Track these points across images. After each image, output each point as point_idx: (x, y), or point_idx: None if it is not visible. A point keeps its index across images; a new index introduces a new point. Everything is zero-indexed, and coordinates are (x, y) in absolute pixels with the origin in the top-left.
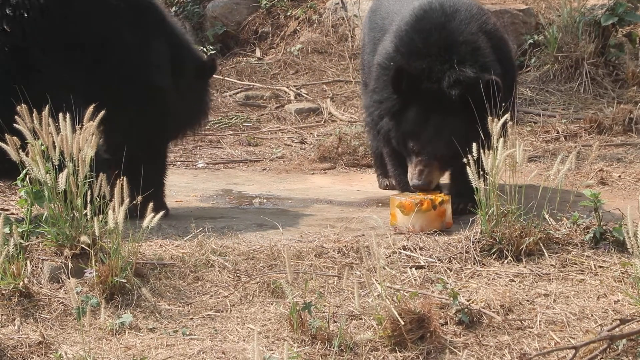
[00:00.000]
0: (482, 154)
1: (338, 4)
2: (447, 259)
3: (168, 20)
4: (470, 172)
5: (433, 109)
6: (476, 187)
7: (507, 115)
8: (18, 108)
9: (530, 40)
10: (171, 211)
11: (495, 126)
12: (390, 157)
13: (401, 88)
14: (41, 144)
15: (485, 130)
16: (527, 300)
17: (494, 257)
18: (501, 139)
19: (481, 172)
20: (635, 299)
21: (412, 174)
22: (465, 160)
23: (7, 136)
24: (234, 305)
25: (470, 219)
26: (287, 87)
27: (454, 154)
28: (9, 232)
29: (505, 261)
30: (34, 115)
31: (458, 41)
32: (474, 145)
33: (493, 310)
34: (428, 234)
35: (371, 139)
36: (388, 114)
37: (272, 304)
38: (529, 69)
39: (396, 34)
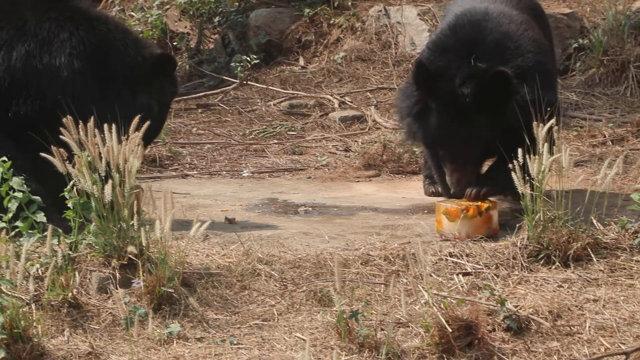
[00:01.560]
0: (528, 159)
1: (381, 11)
2: (494, 265)
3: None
4: (516, 177)
5: (452, 112)
6: (522, 193)
7: (552, 120)
8: (64, 120)
9: (575, 45)
10: (216, 221)
11: (540, 131)
12: (433, 162)
13: (421, 85)
14: (87, 155)
15: (518, 127)
16: (576, 306)
17: (541, 262)
18: (547, 144)
19: (527, 177)
20: None
21: (450, 182)
22: (510, 165)
23: (53, 148)
24: (281, 314)
25: (517, 225)
26: (331, 95)
27: (486, 153)
28: (57, 243)
29: (553, 267)
30: (79, 126)
31: (486, 39)
32: (519, 150)
33: (541, 316)
34: (474, 240)
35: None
36: (410, 114)
37: (319, 312)
38: (574, 73)
39: (435, 33)
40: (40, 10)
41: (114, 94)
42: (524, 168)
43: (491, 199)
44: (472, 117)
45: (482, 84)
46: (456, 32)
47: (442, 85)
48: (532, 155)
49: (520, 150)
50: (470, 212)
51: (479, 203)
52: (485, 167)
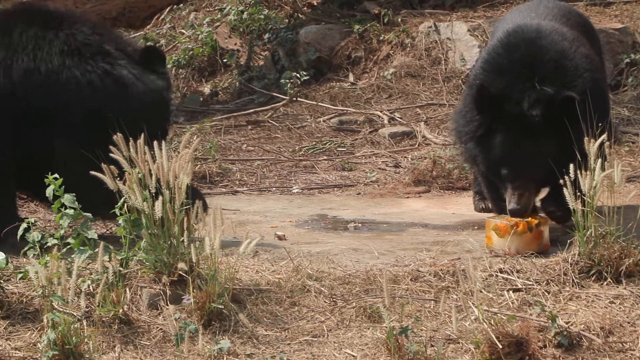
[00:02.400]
0: (579, 175)
1: (431, 27)
2: (544, 281)
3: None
4: (567, 193)
5: (520, 132)
6: (573, 209)
7: (604, 136)
8: (114, 137)
9: (627, 60)
10: (266, 237)
11: (592, 147)
12: (484, 178)
13: (484, 109)
14: (138, 172)
15: (581, 150)
16: (628, 322)
17: (592, 279)
18: (599, 160)
19: (578, 193)
20: None
21: (510, 199)
22: (561, 181)
23: (103, 165)
24: (330, 330)
25: (568, 241)
26: (381, 111)
27: (549, 175)
28: (108, 260)
29: (605, 283)
30: (130, 143)
31: (543, 59)
32: (571, 166)
33: (593, 332)
34: (525, 256)
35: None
36: (473, 138)
37: (368, 328)
38: (626, 88)
39: (487, 50)
40: (23, 21)
41: (119, 83)
42: (576, 184)
43: (542, 214)
44: (538, 137)
45: (550, 108)
46: (510, 52)
47: (508, 109)
48: (583, 171)
49: (571, 166)
50: (520, 228)
51: (530, 219)
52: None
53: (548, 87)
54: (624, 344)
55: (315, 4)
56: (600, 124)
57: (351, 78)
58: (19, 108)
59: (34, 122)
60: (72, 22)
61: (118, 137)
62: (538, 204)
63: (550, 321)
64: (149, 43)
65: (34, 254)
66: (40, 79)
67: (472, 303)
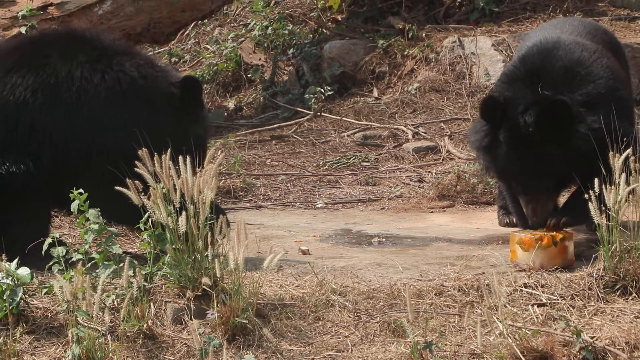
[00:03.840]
0: (604, 189)
1: (455, 42)
2: (569, 296)
3: None
4: (592, 207)
5: (520, 141)
6: (598, 223)
7: (629, 150)
8: (139, 152)
9: None
10: (290, 252)
11: (616, 161)
12: (507, 191)
13: (489, 117)
14: (162, 187)
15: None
16: None
17: (617, 293)
18: (624, 174)
19: (603, 208)
20: None
21: (527, 214)
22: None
23: (128, 181)
24: (354, 345)
25: (593, 256)
26: (405, 126)
27: (560, 182)
28: (132, 274)
29: (630, 297)
30: (155, 158)
31: (554, 66)
32: (595, 180)
33: (618, 347)
34: (550, 271)
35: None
36: (480, 147)
37: (393, 343)
38: None
39: (507, 65)
40: (68, 57)
41: (162, 127)
42: (600, 198)
43: (567, 229)
44: (538, 146)
45: (543, 112)
46: (525, 63)
47: (508, 116)
48: (608, 186)
49: (596, 181)
50: (544, 242)
51: (554, 233)
52: (563, 198)
53: (550, 91)
54: None
55: (339, 19)
56: (625, 138)
57: (375, 93)
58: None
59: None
60: (120, 64)
61: (143, 152)
62: None
63: (575, 336)
64: (173, 59)
65: (59, 269)
66: (81, 121)
67: (497, 318)
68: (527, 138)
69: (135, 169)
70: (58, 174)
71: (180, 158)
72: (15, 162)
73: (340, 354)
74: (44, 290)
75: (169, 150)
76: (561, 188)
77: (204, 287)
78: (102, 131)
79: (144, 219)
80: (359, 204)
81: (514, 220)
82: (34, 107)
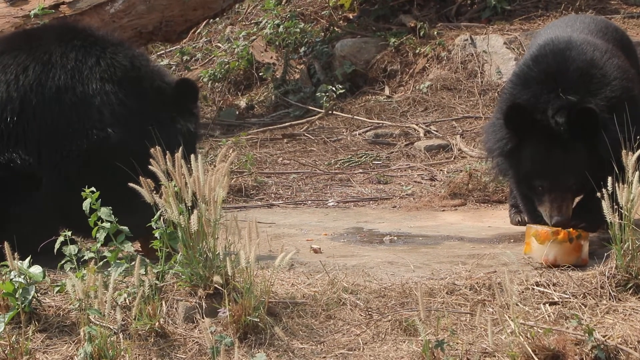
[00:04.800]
0: (617, 188)
1: (467, 40)
2: (581, 294)
3: None
4: (605, 206)
5: (549, 141)
6: (610, 222)
7: None
8: (152, 150)
9: None
10: (302, 250)
11: (629, 159)
12: (519, 191)
13: (513, 123)
14: (174, 186)
15: (609, 160)
16: None
17: (630, 292)
18: (637, 173)
19: (615, 207)
20: None
21: (550, 210)
22: (598, 194)
23: (141, 179)
24: (366, 343)
25: (605, 254)
26: (417, 125)
27: (583, 183)
28: (144, 273)
29: None
30: (167, 157)
31: (569, 68)
32: (609, 178)
33: (630, 346)
34: (562, 269)
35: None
36: (502, 153)
37: (404, 341)
38: None
39: (518, 64)
40: (63, 41)
41: (152, 117)
42: (613, 197)
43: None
44: (566, 145)
45: (573, 118)
46: (538, 63)
47: (535, 119)
48: (620, 184)
49: (609, 179)
50: (560, 237)
51: (571, 230)
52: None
53: (572, 95)
54: None
55: (351, 17)
56: (638, 137)
57: (387, 91)
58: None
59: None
60: (114, 52)
61: (156, 151)
62: None
63: (587, 335)
64: (185, 57)
65: (71, 268)
66: (73, 100)
67: (509, 316)
68: (558, 137)
69: (149, 167)
70: (43, 157)
71: (192, 156)
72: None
73: (351, 352)
74: (56, 289)
75: (180, 149)
76: (581, 191)
77: (216, 285)
78: (93, 112)
79: (155, 217)
80: (371, 202)
81: (526, 219)
82: (25, 84)
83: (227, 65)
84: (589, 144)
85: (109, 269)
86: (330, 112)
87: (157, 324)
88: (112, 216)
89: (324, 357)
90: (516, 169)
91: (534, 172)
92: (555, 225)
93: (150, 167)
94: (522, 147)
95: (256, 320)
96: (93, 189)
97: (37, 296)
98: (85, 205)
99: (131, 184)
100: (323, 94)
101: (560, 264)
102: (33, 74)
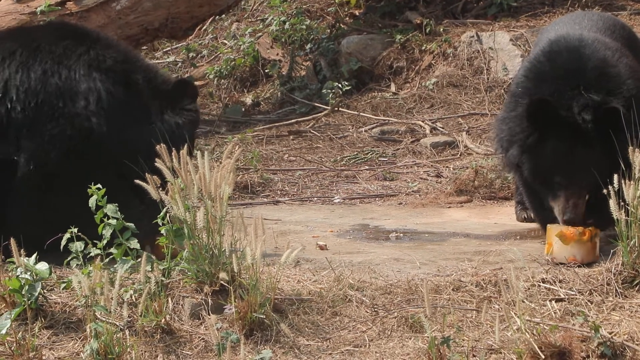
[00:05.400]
0: (623, 185)
1: (473, 37)
2: (587, 291)
3: None
4: (612, 203)
5: (573, 138)
6: (617, 219)
7: None
8: (157, 147)
9: None
10: (308, 247)
11: (637, 156)
12: (526, 188)
13: (537, 118)
14: (180, 183)
15: (625, 159)
16: None
17: (636, 289)
18: None
19: (622, 203)
20: None
21: (565, 208)
22: (605, 190)
23: (147, 175)
24: (372, 340)
25: (611, 251)
26: (423, 121)
27: (599, 182)
28: (150, 269)
29: None
30: (173, 154)
31: (586, 67)
32: (615, 175)
33: (636, 342)
34: (568, 266)
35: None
36: (522, 145)
37: (410, 338)
38: None
39: (529, 59)
40: (54, 35)
41: (141, 109)
42: (619, 193)
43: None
44: (590, 143)
45: (599, 115)
46: (553, 59)
47: (560, 115)
48: (627, 181)
49: (615, 176)
50: (585, 236)
51: (591, 228)
52: None
53: (593, 94)
54: None
55: (357, 14)
56: None
57: (393, 88)
58: None
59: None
60: (105, 45)
61: (162, 148)
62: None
63: (593, 331)
64: (191, 54)
65: (77, 264)
66: (58, 83)
67: (515, 313)
68: (583, 134)
69: (155, 164)
70: (23, 143)
71: (198, 153)
72: None
73: (357, 349)
74: (63, 285)
75: (186, 146)
76: (596, 189)
77: (222, 282)
78: (78, 97)
79: (161, 214)
80: (377, 199)
81: (532, 215)
82: (11, 66)
83: (233, 62)
84: (609, 142)
85: (115, 266)
86: (336, 108)
87: (163, 320)
88: (118, 212)
89: (330, 353)
90: (533, 163)
91: (554, 168)
92: (567, 222)
93: (126, 161)
94: (543, 142)
95: (262, 316)
96: (99, 185)
97: (44, 293)
98: (92, 202)
99: (137, 181)
100: (329, 90)
101: (582, 263)
102: (20, 58)
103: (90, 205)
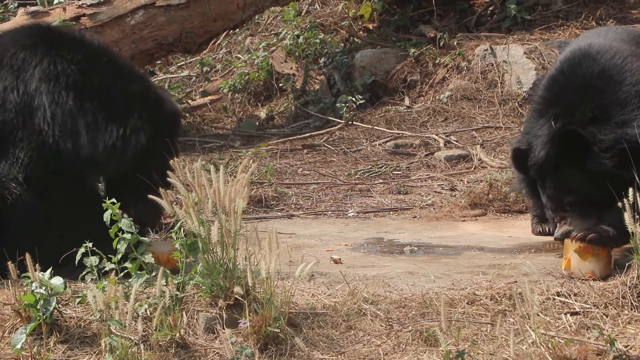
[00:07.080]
0: (638, 197)
1: (487, 50)
2: (602, 304)
3: None
4: (627, 216)
5: (600, 172)
6: (632, 232)
7: None
8: (171, 162)
9: None
10: (322, 261)
11: None
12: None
13: (568, 150)
14: (194, 197)
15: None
16: None
17: None
18: None
19: (637, 217)
20: None
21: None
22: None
23: (161, 190)
24: (386, 354)
25: (626, 264)
26: (437, 135)
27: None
28: (165, 284)
29: None
30: (186, 168)
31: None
32: (630, 189)
33: None
34: (582, 279)
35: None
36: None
37: (425, 352)
38: None
39: (550, 73)
40: (17, 39)
41: (100, 119)
42: (634, 207)
43: None
44: (613, 175)
45: (625, 155)
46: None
47: (592, 149)
48: None
49: (630, 190)
50: (602, 252)
51: None
52: None
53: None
54: None
55: (370, 28)
56: None
57: (407, 101)
58: None
59: None
60: (74, 50)
61: (175, 162)
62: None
63: (608, 345)
64: (205, 68)
65: (92, 279)
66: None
67: (529, 326)
68: (606, 171)
69: (168, 179)
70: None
71: (212, 167)
72: None
73: None
74: (77, 300)
75: (199, 160)
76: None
77: (236, 296)
78: (36, 114)
79: (175, 228)
80: (391, 212)
81: (550, 229)
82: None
83: (247, 76)
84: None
85: (130, 280)
86: (350, 122)
87: (177, 334)
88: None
89: None
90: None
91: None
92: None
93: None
94: (571, 168)
95: (277, 330)
96: (114, 200)
97: (59, 307)
98: (106, 216)
99: (151, 196)
100: (343, 104)
101: (603, 277)
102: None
103: (105, 219)
